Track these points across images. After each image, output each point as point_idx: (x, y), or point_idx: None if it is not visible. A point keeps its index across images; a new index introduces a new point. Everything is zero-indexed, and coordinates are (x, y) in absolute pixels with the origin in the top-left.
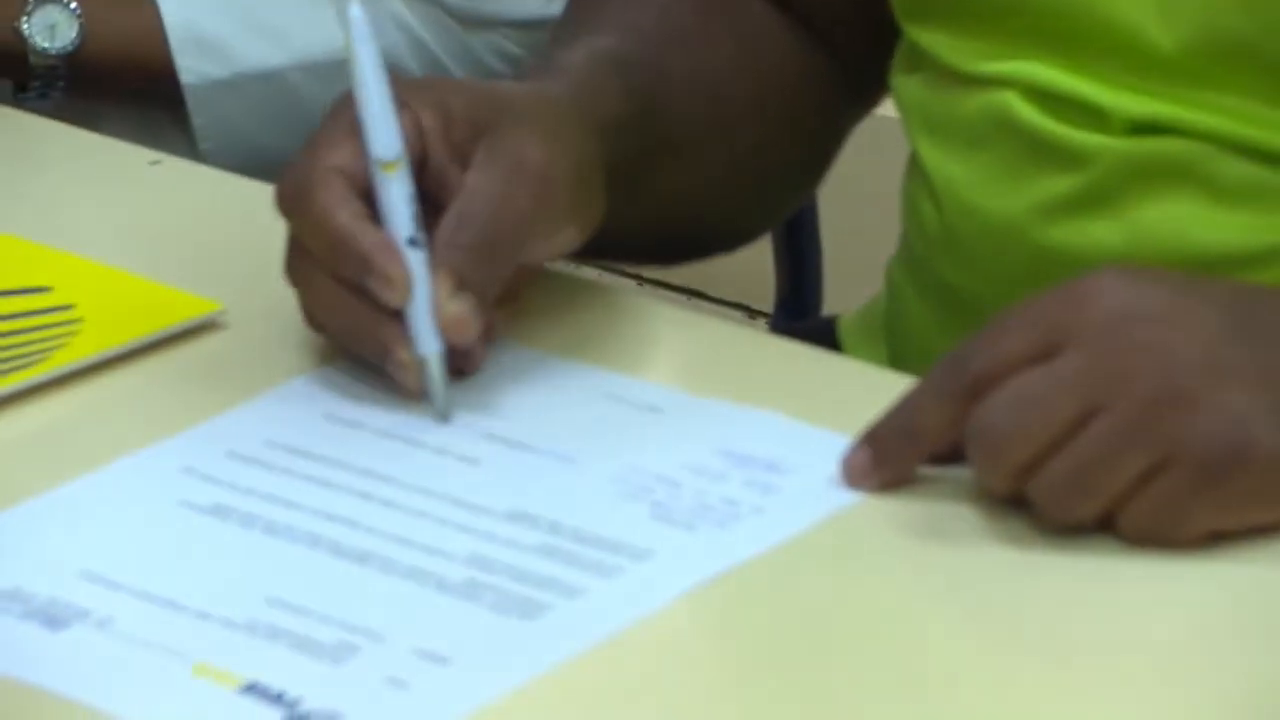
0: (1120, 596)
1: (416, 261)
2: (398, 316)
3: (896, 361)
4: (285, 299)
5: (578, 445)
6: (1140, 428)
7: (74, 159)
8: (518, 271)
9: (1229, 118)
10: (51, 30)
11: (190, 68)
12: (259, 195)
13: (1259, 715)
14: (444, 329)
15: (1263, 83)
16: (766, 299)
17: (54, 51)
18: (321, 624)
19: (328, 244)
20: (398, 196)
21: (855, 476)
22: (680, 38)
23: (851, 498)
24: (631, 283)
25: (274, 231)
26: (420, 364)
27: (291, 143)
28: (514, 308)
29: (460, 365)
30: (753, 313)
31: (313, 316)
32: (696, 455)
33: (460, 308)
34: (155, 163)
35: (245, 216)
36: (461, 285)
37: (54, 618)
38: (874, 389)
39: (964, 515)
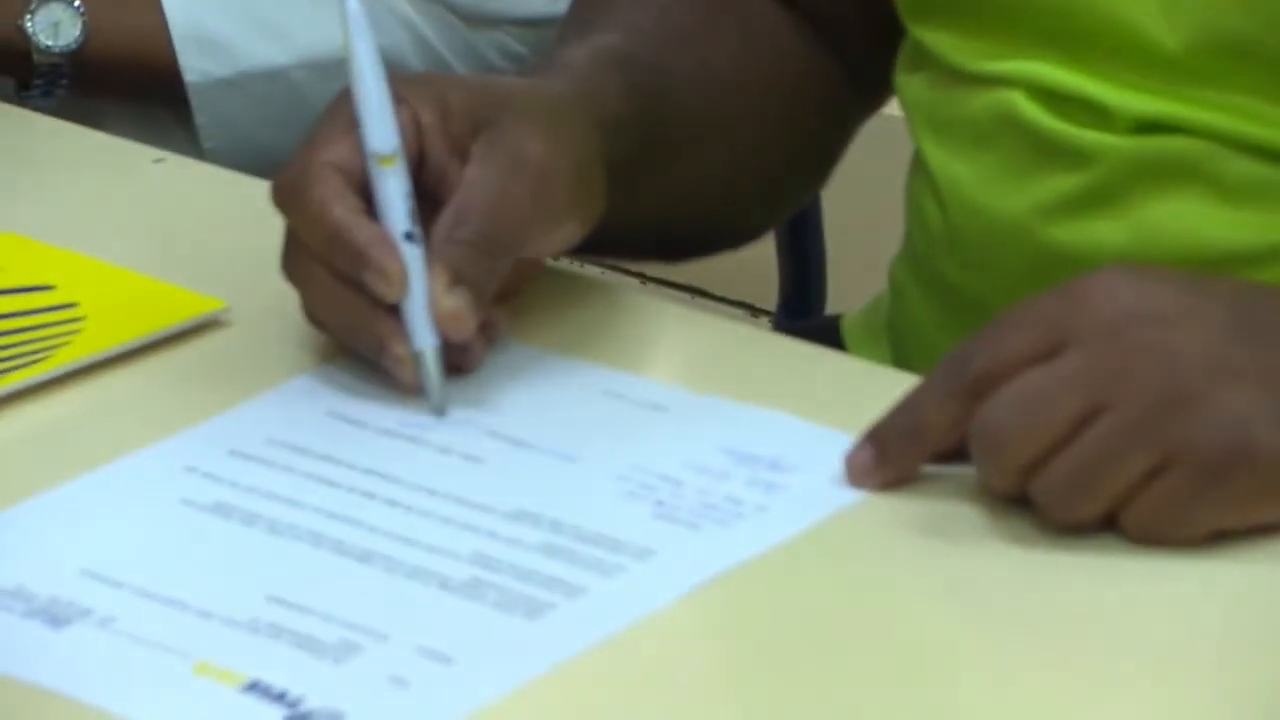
0: (1122, 595)
1: (413, 256)
2: (394, 311)
3: (900, 360)
4: (288, 297)
5: (581, 444)
6: (1143, 427)
7: (77, 157)
8: (518, 267)
9: (1233, 116)
10: (55, 28)
11: (194, 66)
12: (262, 194)
13: (1261, 714)
14: (439, 324)
15: (1267, 81)
16: (770, 298)
17: (57, 50)
18: (323, 623)
19: (324, 239)
20: (394, 191)
21: (858, 475)
22: (684, 36)
23: (854, 496)
24: (635, 281)
25: (277, 230)
26: (416, 359)
27: (295, 141)
28: (514, 304)
29: (458, 362)
30: (756, 311)
31: (311, 312)
32: (699, 454)
33: (456, 302)
34: (158, 161)
35: (248, 215)
36: (458, 280)
37: (56, 616)
38: (877, 388)
39: (966, 514)
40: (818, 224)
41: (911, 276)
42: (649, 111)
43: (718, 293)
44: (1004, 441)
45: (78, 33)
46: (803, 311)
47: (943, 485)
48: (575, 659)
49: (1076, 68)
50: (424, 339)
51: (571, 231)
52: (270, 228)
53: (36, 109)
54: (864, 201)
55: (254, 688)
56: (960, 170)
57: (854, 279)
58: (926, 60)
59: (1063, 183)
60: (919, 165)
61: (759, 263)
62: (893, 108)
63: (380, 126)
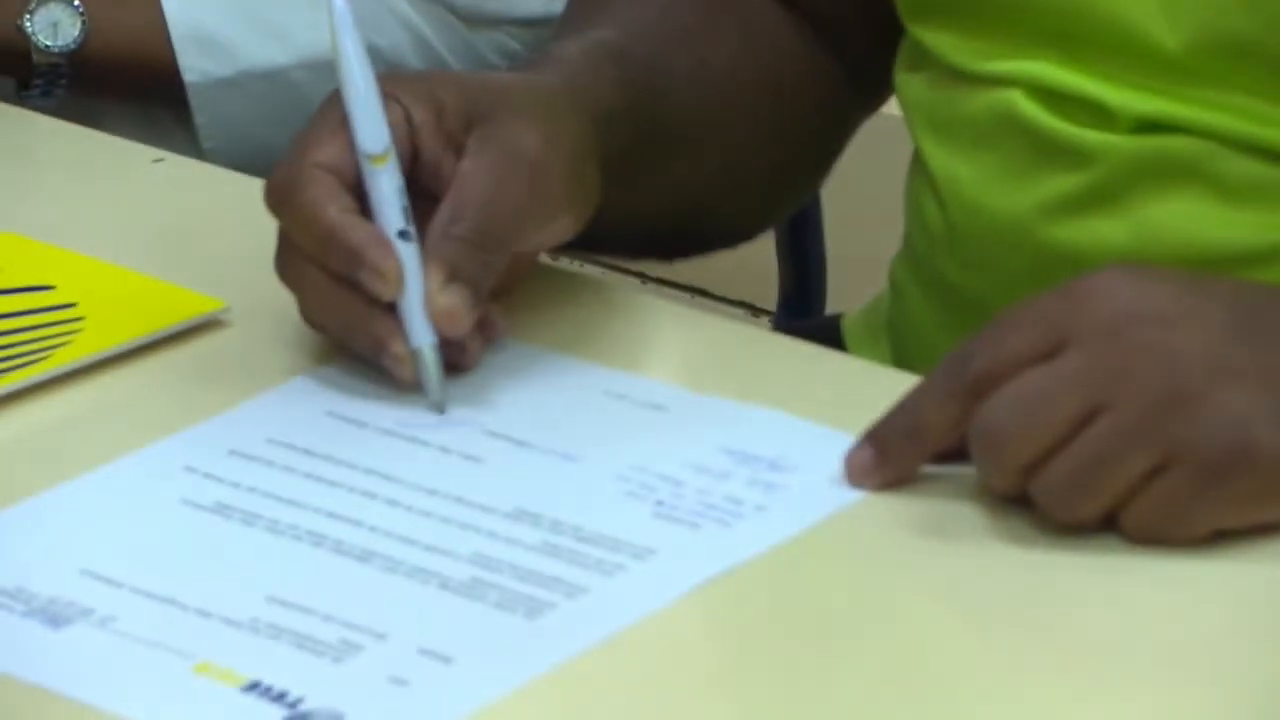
0: (1122, 595)
1: (408, 254)
2: (391, 310)
3: (900, 360)
4: (288, 297)
5: (581, 443)
6: (1143, 427)
7: (77, 157)
8: (513, 262)
9: (1234, 116)
10: (54, 28)
11: (193, 66)
12: (262, 194)
13: (1261, 713)
14: (435, 321)
15: (1267, 81)
16: (770, 297)
17: (57, 49)
18: (324, 623)
19: (318, 240)
20: (387, 189)
21: (858, 475)
22: (682, 34)
23: (854, 496)
24: (635, 280)
25: (277, 230)
26: (415, 357)
27: None
28: (507, 302)
29: (456, 361)
30: (756, 311)
31: (306, 314)
32: (699, 454)
33: (451, 299)
34: (158, 161)
35: (248, 215)
36: (454, 276)
37: (56, 616)
38: (877, 388)
39: (966, 514)
40: (818, 224)
41: (911, 276)
42: (644, 107)
43: (718, 292)
44: (1004, 441)
45: (77, 32)
46: (803, 311)
47: (943, 485)
48: (575, 659)
49: (1077, 67)
50: (421, 336)
51: (566, 226)
52: (270, 228)
53: (36, 109)
54: (864, 201)
55: (254, 688)
56: (960, 170)
57: (854, 279)
58: (926, 60)
59: (1063, 182)
60: (919, 165)
61: (759, 262)
62: (892, 107)
63: (371, 125)
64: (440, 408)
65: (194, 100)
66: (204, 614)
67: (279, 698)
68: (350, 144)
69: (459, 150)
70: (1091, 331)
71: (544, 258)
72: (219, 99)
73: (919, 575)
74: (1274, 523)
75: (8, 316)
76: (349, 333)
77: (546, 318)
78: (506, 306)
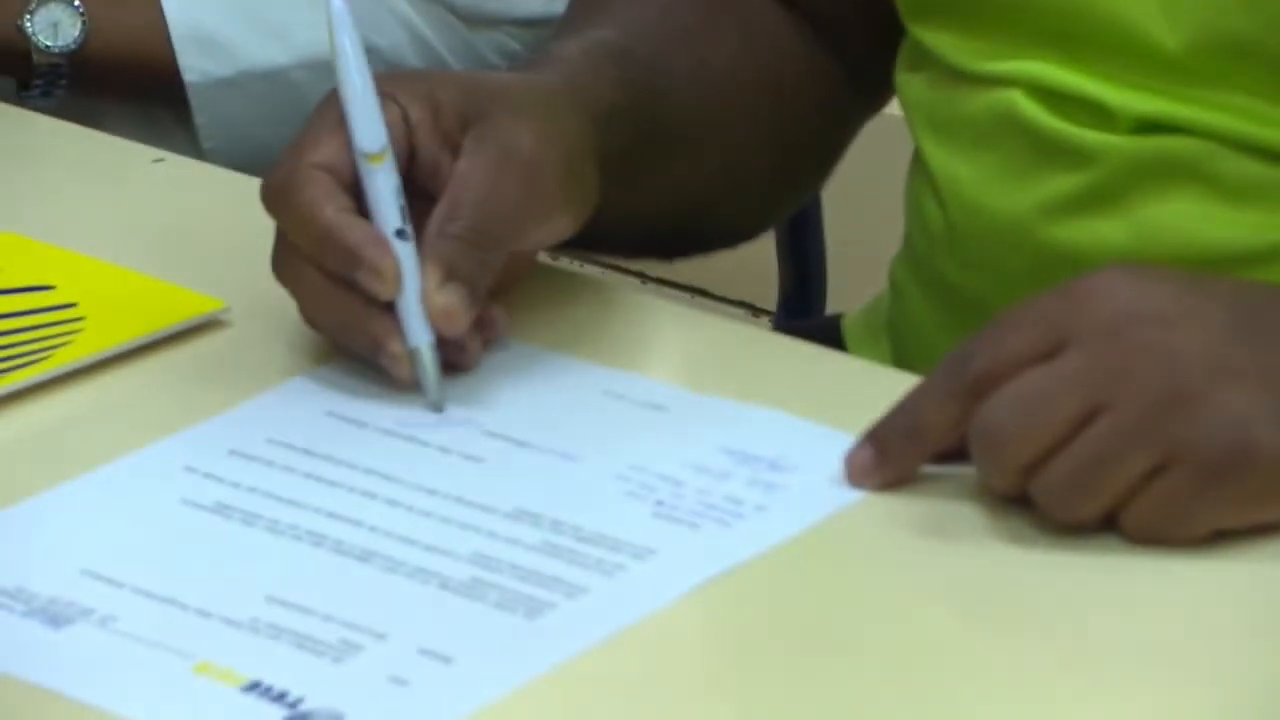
0: (1122, 595)
1: (405, 253)
2: (388, 309)
3: (900, 360)
4: (288, 297)
5: (581, 443)
6: (1143, 427)
7: (77, 157)
8: (512, 261)
9: (1234, 116)
10: (54, 28)
11: (193, 66)
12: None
13: (1262, 713)
14: (433, 320)
15: (1267, 81)
16: (770, 297)
17: (57, 50)
18: (324, 623)
19: (315, 239)
20: (384, 188)
21: (858, 475)
22: (683, 34)
23: (854, 496)
24: (635, 280)
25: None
26: (412, 356)
27: None
28: (506, 301)
29: (456, 361)
30: (756, 311)
31: (304, 313)
32: (699, 453)
33: (449, 298)
34: (158, 161)
35: (248, 215)
36: (451, 275)
37: (56, 616)
38: (877, 388)
39: (966, 514)
40: (818, 223)
41: (912, 276)
42: (644, 106)
43: (718, 292)
44: (1004, 441)
45: (77, 33)
46: (803, 311)
47: (943, 485)
48: (575, 659)
49: (1077, 68)
50: (419, 335)
51: (564, 224)
52: (270, 227)
53: (36, 109)
54: (864, 201)
55: (254, 688)
56: (960, 170)
57: (854, 279)
58: (926, 60)
59: (1063, 182)
60: (919, 165)
61: (759, 262)
62: (893, 107)
63: (367, 124)
64: (438, 407)
65: (194, 100)
66: (204, 614)
67: (279, 698)
68: (347, 143)
69: (456, 149)
70: (1091, 331)
71: (544, 257)
72: (219, 99)
73: (919, 575)
74: (1274, 523)
75: (8, 316)
76: (346, 332)
77: (547, 317)
78: (506, 306)
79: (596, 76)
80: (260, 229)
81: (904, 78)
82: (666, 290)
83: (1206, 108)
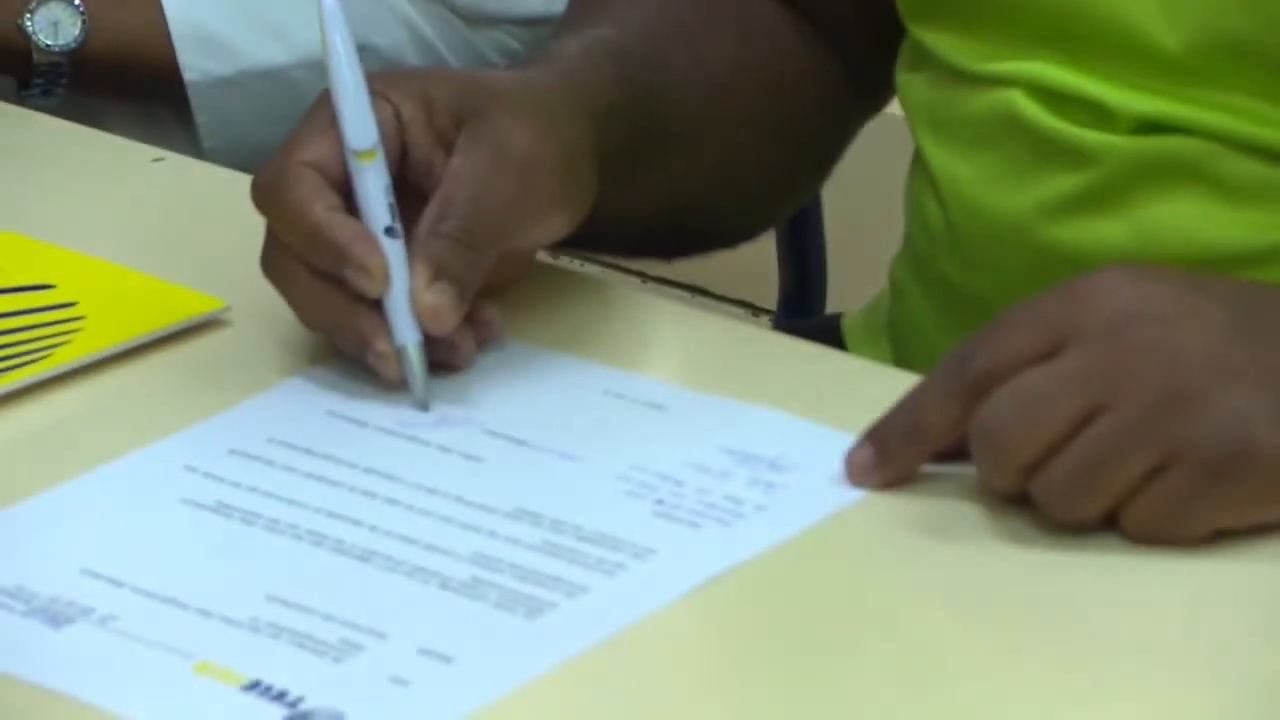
0: (1123, 594)
1: (394, 251)
2: (377, 307)
3: (900, 360)
4: None
5: (581, 443)
6: (1143, 427)
7: (77, 156)
8: (509, 260)
9: (1234, 116)
10: (55, 27)
11: (193, 65)
12: None
13: (1262, 713)
14: (420, 318)
15: (1267, 81)
16: (770, 297)
17: (57, 49)
18: (324, 622)
19: (304, 237)
20: (374, 186)
21: (858, 474)
22: (682, 33)
23: (855, 496)
24: (635, 280)
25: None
26: (399, 354)
27: None
28: (500, 299)
29: (449, 360)
30: (756, 310)
31: (294, 311)
32: (700, 453)
33: (437, 298)
34: (158, 160)
35: (248, 214)
36: (440, 274)
37: (56, 615)
38: (877, 387)
39: (967, 513)
40: (818, 223)
41: (912, 276)
42: (642, 104)
43: (718, 292)
44: (1004, 441)
45: (77, 32)
46: (803, 311)
47: (943, 485)
48: (575, 658)
49: (1077, 68)
50: (406, 334)
51: (559, 224)
52: None
53: (36, 108)
54: (864, 201)
55: (254, 687)
56: (961, 170)
57: (854, 278)
58: (927, 60)
59: (1063, 182)
60: (919, 164)
61: (759, 262)
62: (893, 107)
63: (358, 122)
64: (424, 406)
65: (194, 99)
66: (204, 613)
67: (279, 697)
68: (338, 142)
69: (449, 148)
70: (1092, 331)
71: (544, 257)
72: (219, 98)
73: (919, 575)
74: (1274, 522)
75: (8, 316)
76: (335, 330)
77: (546, 317)
78: (506, 306)
79: (594, 75)
80: (260, 229)
81: (904, 78)
82: (667, 290)
83: (1207, 108)
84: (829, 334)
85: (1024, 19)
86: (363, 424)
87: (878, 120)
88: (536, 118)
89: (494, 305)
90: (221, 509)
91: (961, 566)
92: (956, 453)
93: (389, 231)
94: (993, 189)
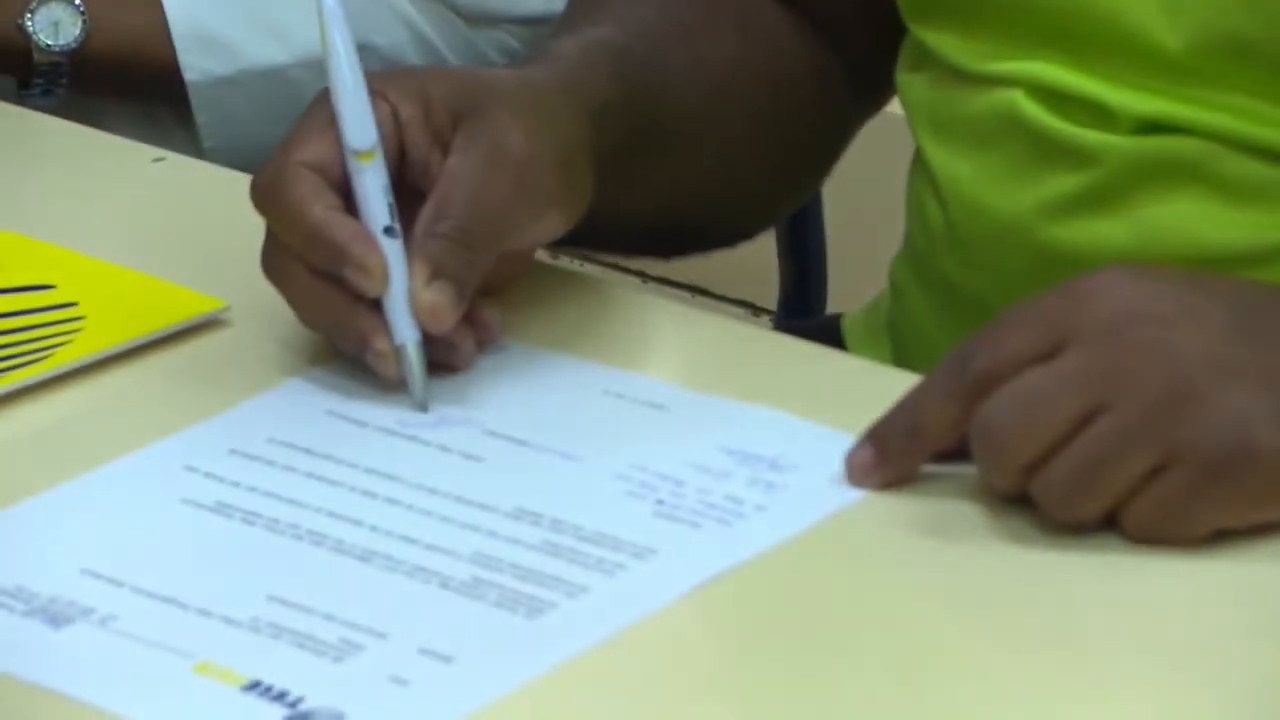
0: (1123, 594)
1: (392, 251)
2: (376, 307)
3: (900, 360)
4: None
5: (581, 443)
6: (1143, 427)
7: (77, 156)
8: (506, 259)
9: (1235, 116)
10: (55, 27)
11: (194, 65)
12: None
13: (1262, 713)
14: (419, 317)
15: (1268, 81)
16: (770, 297)
17: (57, 48)
18: (324, 622)
19: (303, 237)
20: (373, 186)
21: (859, 474)
22: (681, 32)
23: (855, 496)
24: (635, 280)
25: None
26: (398, 353)
27: None
28: (498, 299)
29: (448, 360)
30: (756, 310)
31: (294, 310)
32: (700, 453)
33: (436, 297)
34: (159, 160)
35: (249, 214)
36: (438, 274)
37: (56, 615)
38: (878, 387)
39: (967, 513)
40: (818, 223)
41: (912, 276)
42: (641, 103)
43: (718, 292)
44: (1004, 441)
45: (78, 31)
46: (803, 311)
47: (943, 485)
48: (575, 658)
49: (1078, 68)
50: (405, 333)
51: (556, 222)
52: None
53: (37, 108)
54: (865, 200)
55: (254, 687)
56: (961, 170)
57: (854, 278)
58: (928, 60)
59: (1064, 183)
60: (920, 164)
61: (759, 262)
62: (894, 106)
63: (357, 122)
64: (423, 406)
65: (195, 99)
66: (204, 613)
67: (279, 697)
68: (336, 142)
69: (447, 147)
70: (1092, 331)
71: (544, 257)
72: (220, 98)
73: (919, 575)
74: (1274, 522)
75: (8, 316)
76: (334, 329)
77: (546, 317)
78: (506, 306)
79: (592, 73)
80: (261, 228)
81: (905, 78)
82: (667, 289)
83: (1207, 108)
84: (829, 334)
85: (1025, 19)
86: (363, 424)
87: (878, 120)
88: (533, 117)
89: (494, 306)
90: (222, 509)
91: (961, 566)
92: (957, 453)
93: (388, 231)
94: (993, 189)
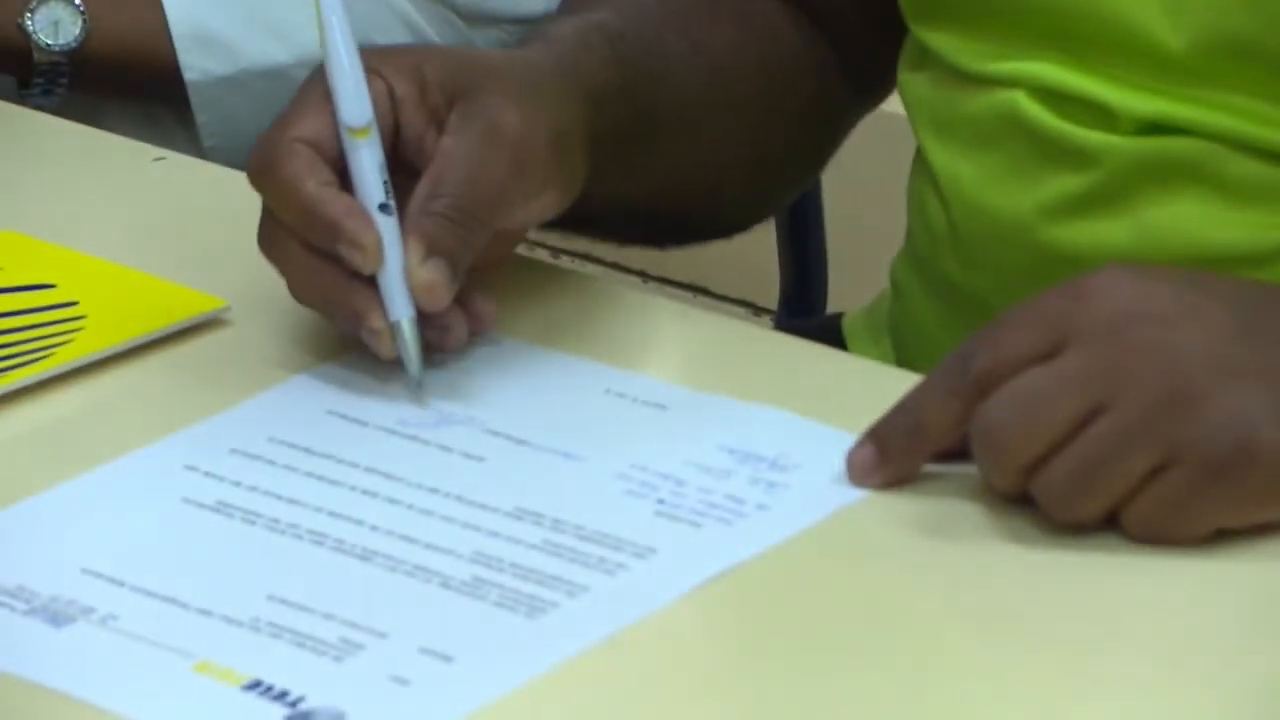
0: (1124, 594)
1: (388, 227)
2: (371, 284)
3: (901, 359)
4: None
5: (582, 442)
6: (1144, 426)
7: (77, 156)
8: (498, 239)
9: (1237, 117)
10: (55, 27)
11: (194, 64)
12: None
13: (1261, 713)
14: (415, 295)
15: (1270, 82)
16: (771, 296)
17: (58, 48)
18: (324, 621)
19: (297, 214)
20: (368, 163)
21: (860, 474)
22: (679, 18)
23: (856, 495)
24: (636, 279)
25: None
26: (393, 330)
27: None
28: (490, 281)
29: (439, 341)
30: (757, 310)
31: (290, 288)
32: (701, 452)
33: (431, 274)
34: (159, 159)
35: (249, 213)
36: (433, 251)
37: (57, 615)
38: (878, 386)
39: (968, 513)
40: (819, 222)
41: (913, 275)
42: (638, 87)
43: (719, 291)
44: (1005, 440)
45: (78, 31)
46: (804, 310)
47: (944, 484)
48: (576, 658)
49: (1080, 68)
50: (400, 310)
51: (550, 202)
52: None
53: (37, 107)
54: (866, 200)
55: (255, 686)
56: (963, 169)
57: (855, 277)
58: (929, 60)
59: (1065, 183)
60: (921, 164)
61: (760, 261)
62: (894, 106)
63: (352, 99)
64: (418, 382)
65: (195, 99)
66: (205, 613)
67: (280, 697)
68: (332, 118)
69: (441, 125)
70: (1092, 331)
71: (545, 256)
72: (220, 97)
73: (920, 574)
74: (1274, 522)
75: (9, 315)
76: (329, 307)
77: (547, 316)
78: (507, 306)
79: (588, 56)
80: None
81: (906, 77)
82: (668, 289)
83: (1209, 108)
84: (830, 333)
85: (1027, 19)
86: (363, 423)
87: (879, 119)
88: (529, 97)
89: (487, 297)
90: (222, 508)
91: (962, 566)
92: (958, 452)
93: (383, 208)
94: (994, 189)
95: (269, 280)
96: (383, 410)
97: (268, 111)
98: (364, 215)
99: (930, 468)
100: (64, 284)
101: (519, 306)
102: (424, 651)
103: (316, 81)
